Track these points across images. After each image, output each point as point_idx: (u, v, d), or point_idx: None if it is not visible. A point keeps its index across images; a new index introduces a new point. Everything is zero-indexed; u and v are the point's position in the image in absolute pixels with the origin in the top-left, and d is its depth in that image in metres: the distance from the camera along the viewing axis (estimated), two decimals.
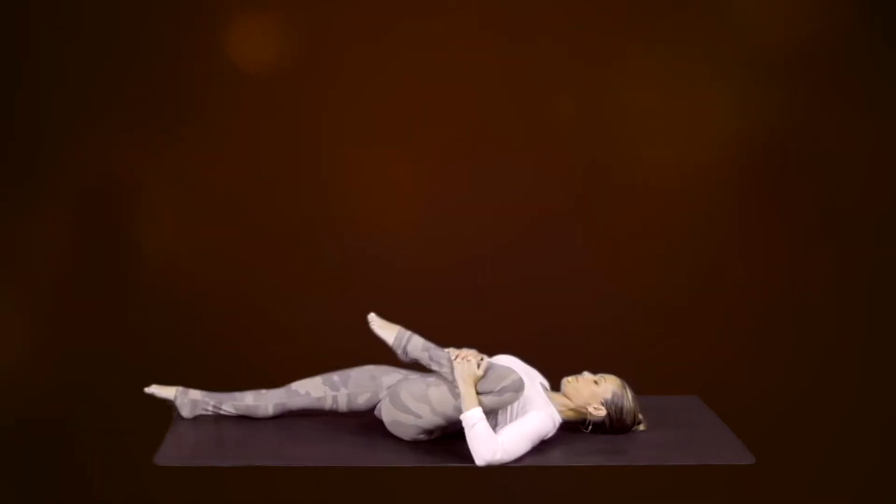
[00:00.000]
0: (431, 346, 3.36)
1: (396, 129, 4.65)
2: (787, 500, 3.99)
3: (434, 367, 3.33)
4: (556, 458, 3.29)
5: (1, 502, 3.74)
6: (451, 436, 3.33)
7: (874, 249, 4.56)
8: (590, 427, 3.39)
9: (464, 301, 4.32)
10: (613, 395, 3.40)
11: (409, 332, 3.35)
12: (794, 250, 4.62)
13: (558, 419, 3.31)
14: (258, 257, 4.56)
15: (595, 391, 3.40)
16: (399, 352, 3.35)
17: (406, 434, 3.31)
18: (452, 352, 3.31)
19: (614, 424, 3.39)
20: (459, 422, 3.22)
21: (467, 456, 3.15)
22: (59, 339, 4.49)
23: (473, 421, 3.12)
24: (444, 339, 3.43)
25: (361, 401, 3.38)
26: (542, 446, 3.26)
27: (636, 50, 4.59)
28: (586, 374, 3.43)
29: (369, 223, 4.59)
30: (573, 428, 3.40)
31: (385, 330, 3.37)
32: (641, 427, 3.43)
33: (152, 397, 3.46)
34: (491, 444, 3.10)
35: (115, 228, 4.60)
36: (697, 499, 3.78)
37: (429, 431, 3.31)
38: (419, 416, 3.26)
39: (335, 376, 3.40)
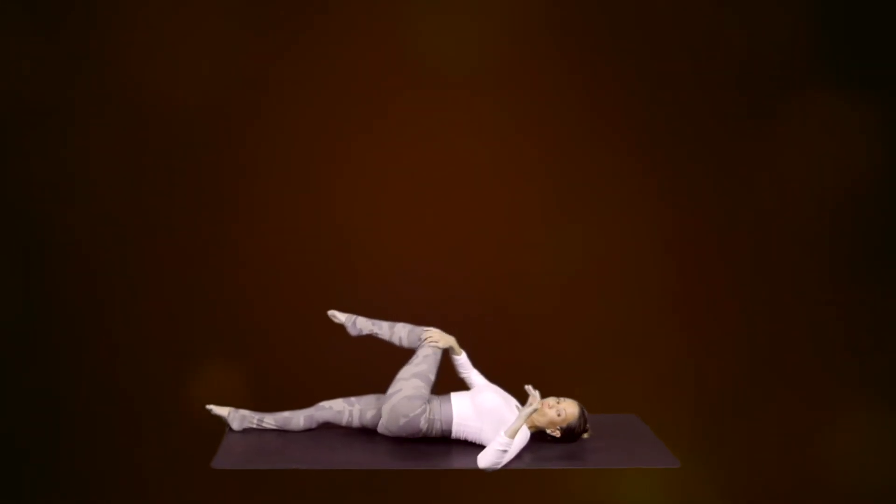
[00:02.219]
0: (375, 320, 4.05)
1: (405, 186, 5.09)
2: (706, 496, 4.33)
3: (375, 330, 4.03)
4: (526, 462, 3.82)
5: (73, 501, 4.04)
6: (445, 442, 3.87)
7: (775, 289, 5.06)
8: (549, 437, 3.94)
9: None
10: (569, 425, 3.90)
11: (355, 315, 4.08)
12: (706, 303, 5.13)
13: (529, 435, 3.86)
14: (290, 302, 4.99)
15: (554, 420, 3.89)
16: (349, 325, 4.06)
17: (404, 413, 3.82)
18: (431, 332, 3.95)
19: (566, 439, 3.92)
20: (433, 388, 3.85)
21: (459, 461, 3.73)
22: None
23: (504, 446, 3.68)
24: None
25: (368, 416, 3.96)
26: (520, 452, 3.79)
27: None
28: (550, 401, 3.93)
29: (377, 269, 5.05)
30: (539, 437, 3.92)
31: (340, 315, 4.08)
32: (586, 436, 3.95)
33: (208, 413, 4.00)
34: (498, 460, 3.69)
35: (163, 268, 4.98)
36: (634, 494, 4.12)
37: (421, 398, 3.82)
38: (401, 390, 3.84)
39: (352, 397, 4.02)
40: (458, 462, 3.76)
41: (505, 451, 3.69)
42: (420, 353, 3.95)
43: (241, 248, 5.02)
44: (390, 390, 3.88)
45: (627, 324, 5.11)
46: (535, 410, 3.74)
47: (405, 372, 3.91)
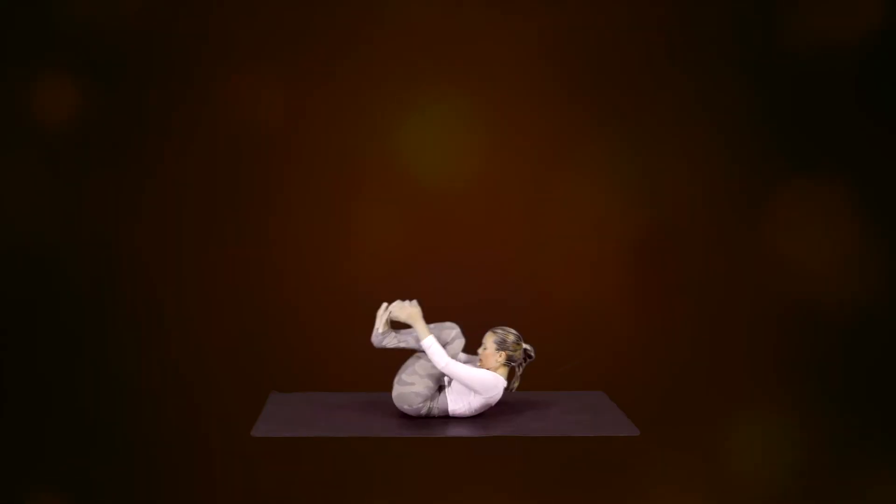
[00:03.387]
0: (401, 331, 4.34)
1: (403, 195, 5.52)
2: (660, 461, 4.18)
3: (401, 343, 4.35)
4: (508, 430, 4.26)
5: (113, 473, 3.93)
6: (444, 420, 4.36)
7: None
8: (519, 369, 4.38)
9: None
10: (496, 341, 4.31)
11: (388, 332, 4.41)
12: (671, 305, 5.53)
13: (501, 379, 4.29)
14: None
15: (489, 354, 4.31)
16: (374, 339, 4.39)
17: (408, 403, 4.28)
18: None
19: (515, 356, 4.31)
20: (442, 386, 4.26)
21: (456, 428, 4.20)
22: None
23: (429, 344, 4.18)
24: None
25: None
26: (498, 424, 4.28)
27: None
28: (480, 351, 4.36)
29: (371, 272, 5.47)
30: (518, 409, 4.42)
31: (381, 320, 4.37)
32: (526, 345, 4.34)
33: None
34: (443, 357, 4.16)
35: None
36: (598, 458, 4.13)
37: (424, 396, 4.27)
38: (414, 384, 4.31)
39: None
40: (452, 432, 4.30)
41: (430, 347, 4.14)
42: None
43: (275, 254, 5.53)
44: (405, 378, 4.30)
45: (598, 310, 5.48)
46: (405, 310, 4.24)
47: (423, 368, 4.31)
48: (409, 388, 4.32)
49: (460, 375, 4.23)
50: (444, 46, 5.53)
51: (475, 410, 4.34)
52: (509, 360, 4.35)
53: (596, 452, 4.21)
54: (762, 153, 5.52)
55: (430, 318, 4.53)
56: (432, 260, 5.52)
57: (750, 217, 5.59)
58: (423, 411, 4.36)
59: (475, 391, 4.28)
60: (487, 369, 4.35)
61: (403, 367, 4.41)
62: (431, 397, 4.34)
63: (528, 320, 4.86)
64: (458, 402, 4.38)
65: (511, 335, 4.35)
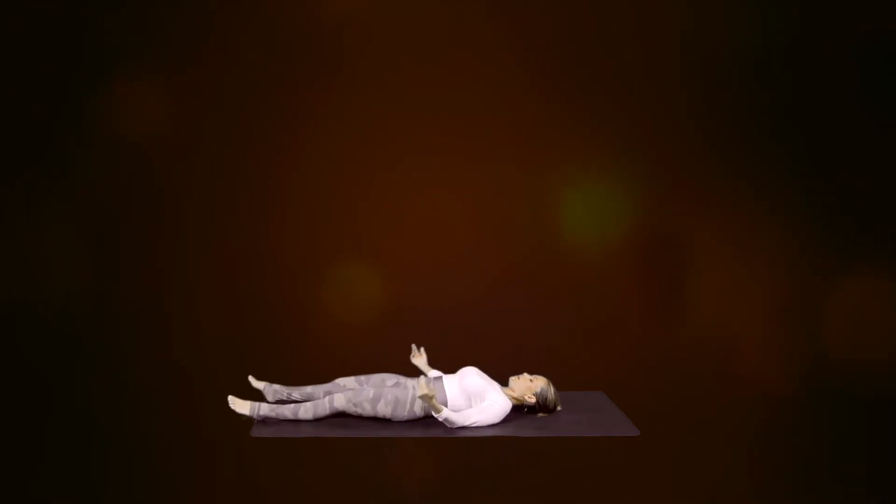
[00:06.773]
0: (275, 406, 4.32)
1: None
2: (661, 461, 4.43)
3: (293, 395, 4.42)
4: (508, 431, 4.30)
5: (113, 472, 4.01)
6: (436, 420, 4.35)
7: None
8: (526, 410, 4.50)
9: (445, 333, 4.91)
10: (542, 389, 4.44)
11: (258, 404, 4.42)
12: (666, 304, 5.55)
13: (509, 405, 4.39)
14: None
15: (530, 386, 4.46)
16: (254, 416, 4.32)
17: (405, 411, 4.34)
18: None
19: (541, 408, 4.45)
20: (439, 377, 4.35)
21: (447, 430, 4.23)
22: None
23: (444, 416, 4.22)
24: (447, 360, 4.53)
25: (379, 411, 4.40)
26: (497, 423, 4.29)
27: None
28: (525, 375, 4.51)
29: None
30: (515, 411, 4.43)
31: (239, 406, 4.33)
32: (559, 408, 4.49)
33: (244, 386, 4.48)
34: (461, 420, 4.22)
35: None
36: (598, 458, 4.26)
37: (407, 401, 4.31)
38: (392, 405, 4.32)
39: (362, 377, 4.54)
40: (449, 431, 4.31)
41: (446, 419, 4.18)
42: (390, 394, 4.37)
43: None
44: (382, 409, 4.34)
45: (597, 312, 5.52)
46: (427, 396, 4.22)
47: (391, 394, 4.35)
48: (391, 409, 4.38)
49: (484, 421, 4.31)
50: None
51: (473, 422, 4.35)
52: (528, 406, 4.48)
53: (596, 452, 4.26)
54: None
55: (430, 317, 4.67)
56: (430, 261, 5.54)
57: (752, 221, 5.64)
58: (421, 413, 4.39)
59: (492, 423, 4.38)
60: (509, 392, 4.45)
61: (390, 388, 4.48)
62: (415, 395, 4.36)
63: (529, 319, 5.05)
64: (454, 391, 4.43)
65: (552, 401, 4.46)
